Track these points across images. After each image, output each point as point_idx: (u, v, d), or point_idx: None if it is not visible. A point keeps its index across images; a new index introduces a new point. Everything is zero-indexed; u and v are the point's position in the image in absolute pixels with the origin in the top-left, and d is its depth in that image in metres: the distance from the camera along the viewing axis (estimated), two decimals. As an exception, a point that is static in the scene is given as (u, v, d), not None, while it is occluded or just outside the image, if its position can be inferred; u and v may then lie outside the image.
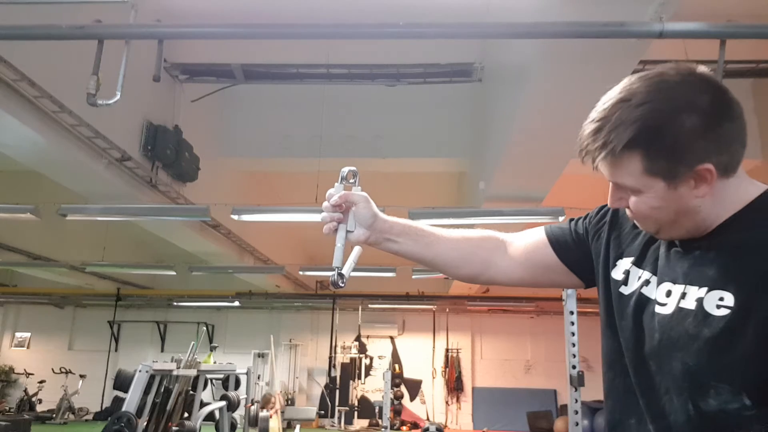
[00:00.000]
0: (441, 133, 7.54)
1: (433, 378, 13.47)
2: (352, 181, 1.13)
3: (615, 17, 3.22)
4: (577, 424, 3.08)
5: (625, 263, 1.04)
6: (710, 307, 0.86)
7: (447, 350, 13.56)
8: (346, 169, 1.13)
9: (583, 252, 1.14)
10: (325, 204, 1.11)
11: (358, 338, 13.48)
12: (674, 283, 0.93)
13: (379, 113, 7.55)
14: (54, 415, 11.73)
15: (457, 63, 6.38)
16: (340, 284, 1.06)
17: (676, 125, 0.83)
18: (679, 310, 0.90)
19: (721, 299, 0.85)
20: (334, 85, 6.92)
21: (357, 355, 13.22)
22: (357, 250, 1.18)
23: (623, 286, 1.02)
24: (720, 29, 3.37)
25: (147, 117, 6.26)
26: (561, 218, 5.68)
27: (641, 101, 0.84)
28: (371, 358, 13.47)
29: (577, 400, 3.09)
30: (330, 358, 12.95)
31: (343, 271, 1.07)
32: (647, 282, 0.98)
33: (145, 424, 4.62)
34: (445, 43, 5.96)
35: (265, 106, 7.72)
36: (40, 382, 12.66)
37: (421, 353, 13.67)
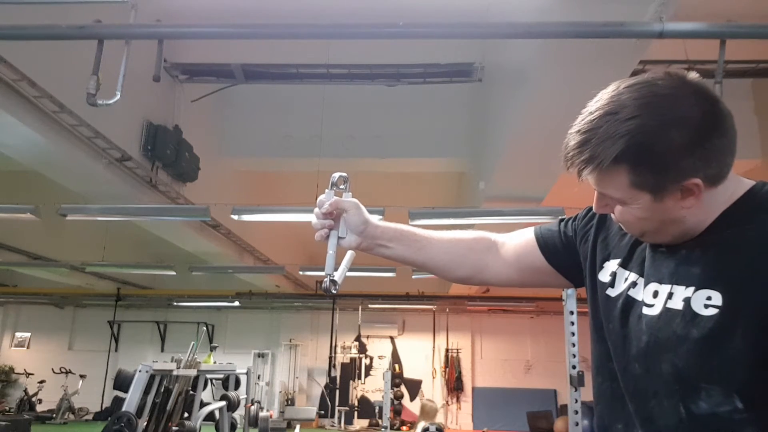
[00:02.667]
0: (441, 133, 7.53)
1: (433, 378, 13.47)
2: (342, 186, 1.13)
3: (615, 17, 3.22)
4: (577, 424, 3.08)
5: (612, 265, 1.02)
6: (698, 307, 0.85)
7: (447, 350, 13.55)
8: (336, 175, 1.13)
9: (571, 254, 1.13)
10: (316, 211, 1.10)
11: (358, 338, 13.48)
12: (660, 283, 0.91)
13: (378, 113, 7.54)
14: (54, 415, 11.73)
15: (457, 63, 6.38)
16: (333, 290, 1.06)
17: (664, 141, 0.81)
18: (666, 311, 0.89)
19: (709, 298, 0.84)
20: (334, 85, 6.92)
21: (357, 355, 13.22)
22: (350, 254, 1.18)
23: (610, 288, 1.00)
24: (720, 29, 3.37)
25: (147, 117, 6.26)
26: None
27: (630, 115, 0.81)
28: (371, 358, 13.47)
29: (577, 400, 3.09)
30: (330, 358, 12.95)
31: (336, 278, 1.07)
32: (634, 284, 0.96)
33: (145, 424, 4.61)
34: (445, 43, 5.96)
35: (265, 106, 7.71)
36: (40, 382, 12.64)
37: (421, 353, 13.67)
